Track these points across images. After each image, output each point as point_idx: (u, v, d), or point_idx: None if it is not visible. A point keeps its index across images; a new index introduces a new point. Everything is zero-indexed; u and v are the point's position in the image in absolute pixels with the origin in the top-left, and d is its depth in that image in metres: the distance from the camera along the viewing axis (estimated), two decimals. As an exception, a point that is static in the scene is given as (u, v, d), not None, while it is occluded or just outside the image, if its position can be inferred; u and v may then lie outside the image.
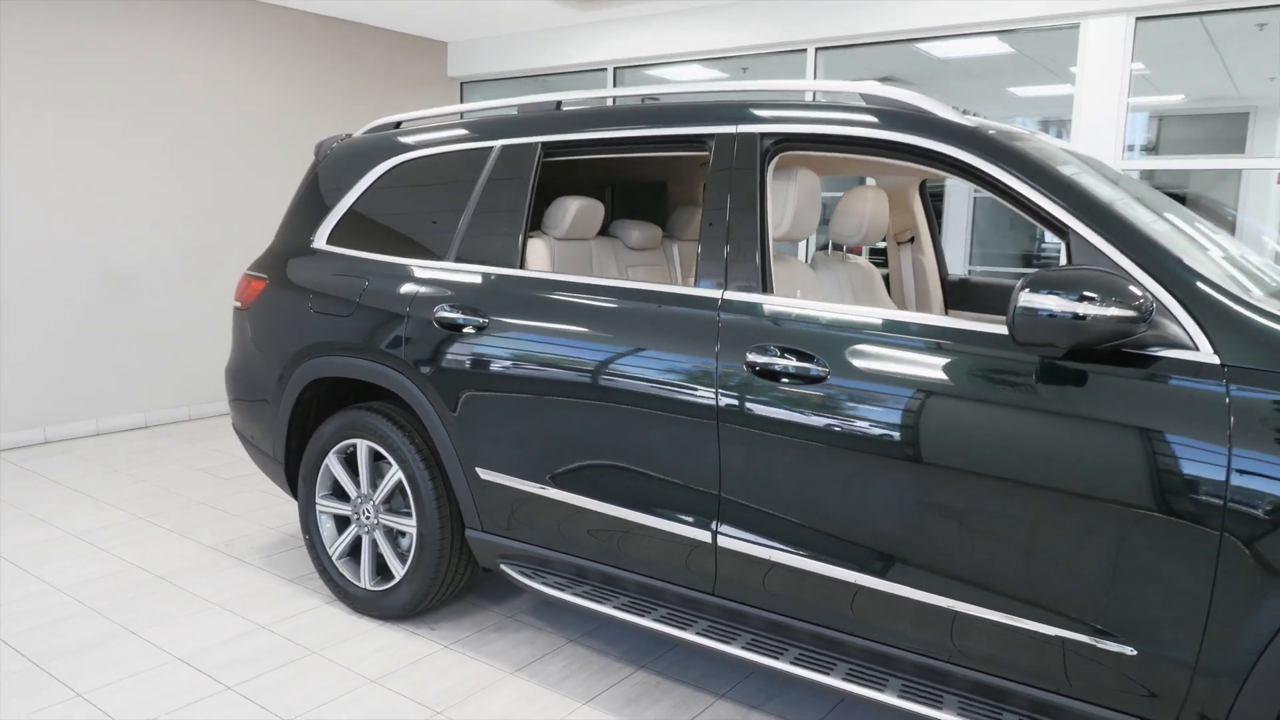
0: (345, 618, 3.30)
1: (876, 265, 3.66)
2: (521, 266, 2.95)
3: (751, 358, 2.37)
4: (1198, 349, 1.88)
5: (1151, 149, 8.61)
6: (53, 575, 3.64)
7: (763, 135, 2.55)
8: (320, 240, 3.52)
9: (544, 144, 2.99)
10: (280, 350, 3.45)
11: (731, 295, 2.48)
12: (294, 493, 3.59)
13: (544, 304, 2.83)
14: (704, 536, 2.49)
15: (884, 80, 7.89)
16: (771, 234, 2.58)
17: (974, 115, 2.59)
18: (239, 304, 3.70)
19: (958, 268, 8.17)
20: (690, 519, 2.52)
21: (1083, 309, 1.86)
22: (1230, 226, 8.01)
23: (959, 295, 3.81)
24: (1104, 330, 1.85)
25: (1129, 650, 1.94)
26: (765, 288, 2.46)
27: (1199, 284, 1.93)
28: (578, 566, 2.84)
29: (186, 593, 3.50)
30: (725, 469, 2.43)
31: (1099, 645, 1.97)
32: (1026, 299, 1.91)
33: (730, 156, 2.58)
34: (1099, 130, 5.33)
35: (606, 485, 2.68)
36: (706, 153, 2.68)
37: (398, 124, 3.60)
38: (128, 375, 6.14)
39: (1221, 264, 2.26)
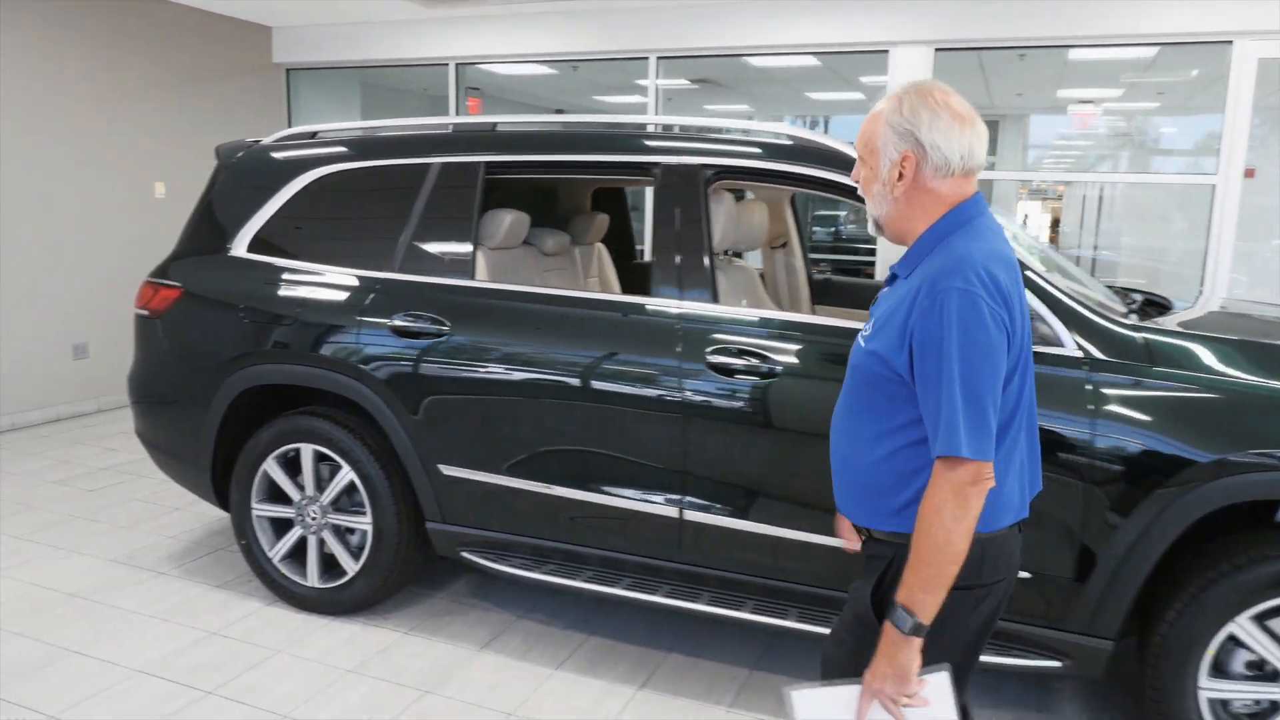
0: (295, 617, 3.40)
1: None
2: (473, 277, 3.20)
3: (711, 358, 2.80)
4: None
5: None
6: (-56, 604, 3.45)
7: (704, 166, 2.97)
8: (239, 248, 3.54)
9: (487, 163, 3.25)
10: (207, 358, 3.46)
11: (688, 306, 2.88)
12: (219, 499, 3.60)
13: (510, 313, 3.10)
14: (672, 512, 2.90)
15: (700, 82, 8.52)
16: (714, 248, 3.01)
17: None
18: (145, 312, 3.64)
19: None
20: (659, 498, 2.91)
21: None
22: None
23: (822, 292, 4.42)
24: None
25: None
26: (715, 297, 2.89)
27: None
28: (537, 547, 3.15)
29: (111, 608, 3.44)
30: (690, 453, 2.84)
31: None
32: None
33: (676, 182, 2.97)
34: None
35: (576, 473, 3.01)
36: (652, 178, 3.05)
37: (314, 134, 3.68)
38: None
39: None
